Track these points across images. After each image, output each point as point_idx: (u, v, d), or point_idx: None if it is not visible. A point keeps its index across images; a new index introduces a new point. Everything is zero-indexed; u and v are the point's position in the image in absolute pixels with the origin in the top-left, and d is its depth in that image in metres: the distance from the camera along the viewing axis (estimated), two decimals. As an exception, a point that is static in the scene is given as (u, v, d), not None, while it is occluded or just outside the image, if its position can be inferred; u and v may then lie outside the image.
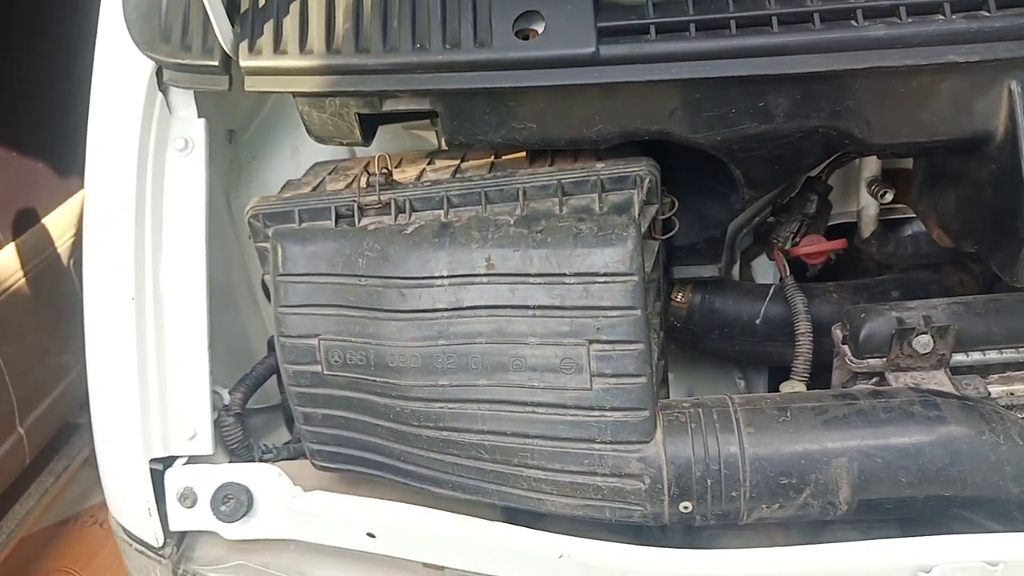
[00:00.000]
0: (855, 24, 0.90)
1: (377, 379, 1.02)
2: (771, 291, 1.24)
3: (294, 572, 1.11)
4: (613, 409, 0.95)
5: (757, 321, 1.25)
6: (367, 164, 1.11)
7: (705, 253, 1.19)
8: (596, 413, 0.96)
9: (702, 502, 0.93)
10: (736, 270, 1.37)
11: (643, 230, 1.01)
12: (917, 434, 0.92)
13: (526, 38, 0.98)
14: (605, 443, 0.96)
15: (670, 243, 1.19)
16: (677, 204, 1.08)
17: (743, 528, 1.01)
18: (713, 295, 1.26)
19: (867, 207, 1.22)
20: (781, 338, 1.22)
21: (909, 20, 0.89)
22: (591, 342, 0.96)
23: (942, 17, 0.89)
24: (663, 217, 1.07)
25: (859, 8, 0.90)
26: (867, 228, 1.24)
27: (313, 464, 1.12)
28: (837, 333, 1.13)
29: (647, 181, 1.03)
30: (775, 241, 1.22)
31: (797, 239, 1.21)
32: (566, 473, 0.97)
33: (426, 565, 1.05)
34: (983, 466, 0.91)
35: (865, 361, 1.10)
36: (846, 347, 1.12)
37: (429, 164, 1.18)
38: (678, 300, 1.26)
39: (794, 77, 0.93)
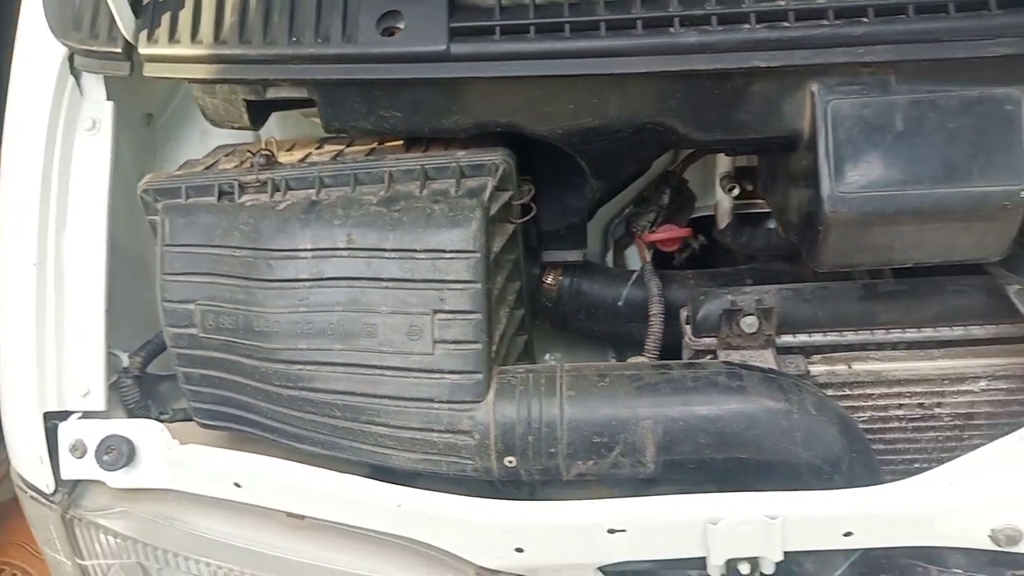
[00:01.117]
0: (672, 31, 1.00)
1: (246, 342, 1.11)
2: (634, 276, 1.34)
3: (173, 519, 1.20)
4: (451, 372, 1.05)
5: (620, 303, 1.34)
6: (241, 147, 1.21)
7: (569, 239, 1.29)
8: (436, 376, 1.06)
9: (524, 458, 1.03)
10: (610, 257, 1.47)
11: (493, 213, 1.11)
12: (717, 401, 1.02)
13: (391, 34, 1.08)
14: (442, 403, 1.05)
15: (537, 229, 1.29)
16: (534, 191, 1.18)
17: (576, 487, 1.11)
18: (581, 278, 1.36)
19: (721, 201, 1.32)
20: (641, 319, 1.31)
21: (719, 28, 0.99)
22: (435, 312, 1.06)
23: (748, 26, 0.98)
24: (518, 202, 1.16)
25: (676, 17, 1.00)
26: (722, 220, 1.34)
27: (196, 422, 1.22)
28: (683, 315, 1.23)
29: (501, 169, 1.13)
30: (634, 230, 1.32)
31: (654, 228, 1.31)
32: (408, 430, 1.07)
33: (288, 514, 1.15)
34: (776, 432, 1.00)
35: (702, 340, 1.20)
36: (688, 327, 1.22)
37: (317, 148, 1.28)
38: (548, 282, 1.36)
39: (621, 77, 1.03)
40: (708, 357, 1.19)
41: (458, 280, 1.05)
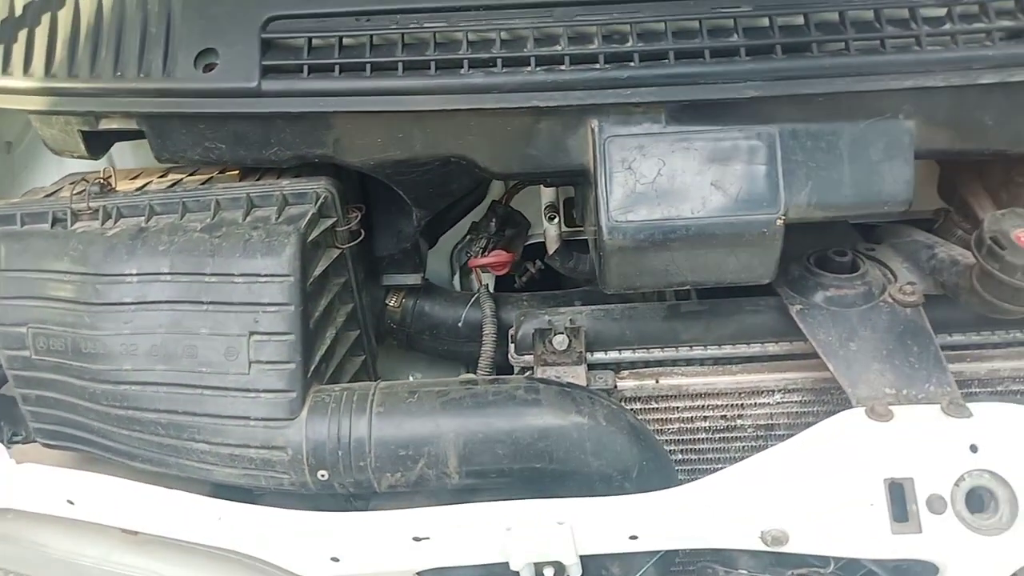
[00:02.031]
0: (462, 72, 1.08)
1: (75, 363, 1.16)
2: (472, 299, 1.41)
3: (13, 535, 1.24)
4: (266, 391, 1.11)
5: (460, 324, 1.42)
6: (87, 176, 1.26)
7: (406, 263, 1.37)
8: (252, 394, 1.11)
9: (336, 472, 1.09)
10: (456, 280, 1.54)
11: (313, 238, 1.17)
12: (513, 414, 1.08)
13: (209, 70, 1.15)
14: (258, 420, 1.11)
15: (372, 254, 1.36)
16: (360, 216, 1.25)
17: (398, 498, 1.17)
18: (423, 300, 1.43)
19: (548, 229, 1.41)
20: (479, 339, 1.39)
21: (503, 70, 1.07)
22: (251, 333, 1.12)
23: (528, 69, 1.07)
24: (343, 228, 1.23)
25: (465, 59, 1.08)
26: (551, 247, 1.43)
27: (38, 442, 1.26)
28: (510, 334, 1.31)
29: (323, 197, 1.20)
30: (467, 255, 1.40)
31: (485, 253, 1.39)
32: (227, 446, 1.12)
33: (123, 530, 1.19)
34: (566, 442, 1.08)
35: (523, 357, 1.28)
36: (512, 345, 1.29)
37: (159, 177, 1.33)
38: (392, 304, 1.43)
39: (420, 114, 1.10)
40: (528, 373, 1.27)
41: (272, 303, 1.12)
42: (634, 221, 1.07)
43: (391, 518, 1.08)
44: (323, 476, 1.10)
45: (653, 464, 1.12)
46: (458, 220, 1.46)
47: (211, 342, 1.12)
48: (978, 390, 1.24)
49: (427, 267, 1.53)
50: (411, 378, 1.63)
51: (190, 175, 1.33)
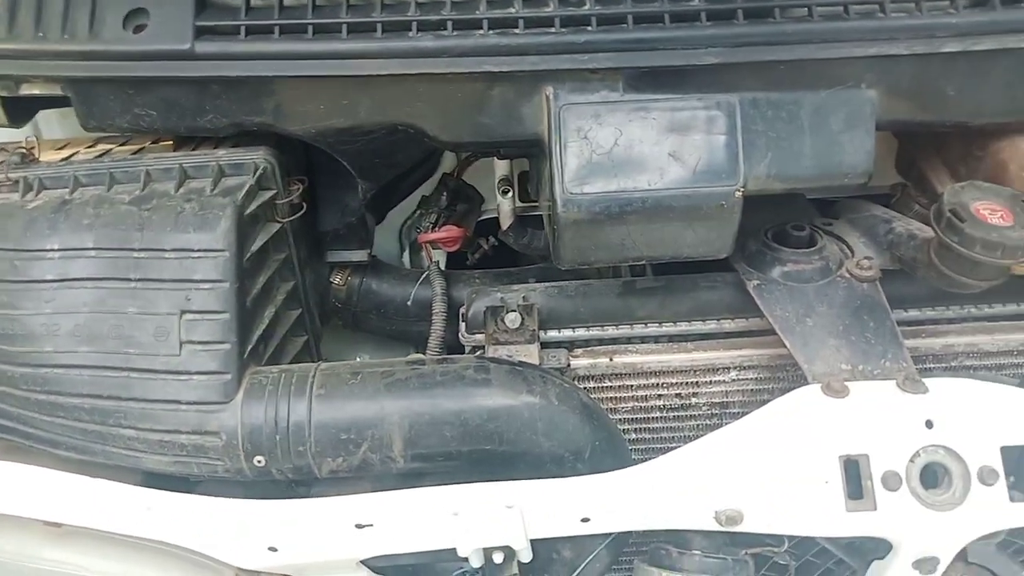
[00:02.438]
0: (410, 35, 1.02)
1: (-7, 345, 1.08)
2: (422, 276, 1.36)
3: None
4: (198, 373, 1.04)
5: (409, 303, 1.36)
6: (8, 146, 1.17)
7: (351, 239, 1.30)
8: (183, 377, 1.04)
9: (273, 457, 1.03)
10: (406, 257, 1.49)
11: (251, 211, 1.10)
12: (462, 395, 1.04)
13: (139, 31, 1.07)
14: (190, 404, 1.04)
15: (316, 229, 1.29)
16: (302, 189, 1.18)
17: (341, 484, 1.12)
18: (371, 278, 1.37)
19: (501, 204, 1.36)
20: (429, 318, 1.33)
21: (454, 33, 1.02)
22: (183, 312, 1.05)
23: (481, 32, 1.02)
24: (283, 201, 1.16)
25: (414, 21, 1.02)
26: (504, 222, 1.38)
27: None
28: (461, 313, 1.26)
29: (261, 168, 1.13)
30: (417, 231, 1.35)
31: (435, 229, 1.34)
32: (156, 432, 1.05)
33: (45, 522, 1.12)
34: (517, 423, 1.03)
35: (473, 336, 1.23)
36: (463, 324, 1.24)
37: (88, 147, 1.25)
38: (337, 282, 1.36)
39: (366, 79, 1.04)
40: (479, 353, 1.22)
41: (205, 279, 1.05)
42: (589, 193, 1.03)
43: (332, 505, 1.03)
44: (260, 462, 1.04)
45: (606, 444, 1.08)
46: (408, 194, 1.40)
47: (139, 322, 1.05)
48: (933, 365, 1.23)
49: (376, 243, 1.47)
50: (357, 359, 1.57)
51: (121, 145, 1.25)
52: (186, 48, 1.04)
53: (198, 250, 1.05)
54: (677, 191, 1.02)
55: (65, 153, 1.22)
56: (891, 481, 0.99)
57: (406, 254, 1.48)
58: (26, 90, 1.14)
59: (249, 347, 1.09)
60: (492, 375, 1.06)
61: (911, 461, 1.00)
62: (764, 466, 1.00)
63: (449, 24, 1.02)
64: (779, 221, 1.25)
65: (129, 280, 1.06)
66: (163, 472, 1.08)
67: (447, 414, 1.03)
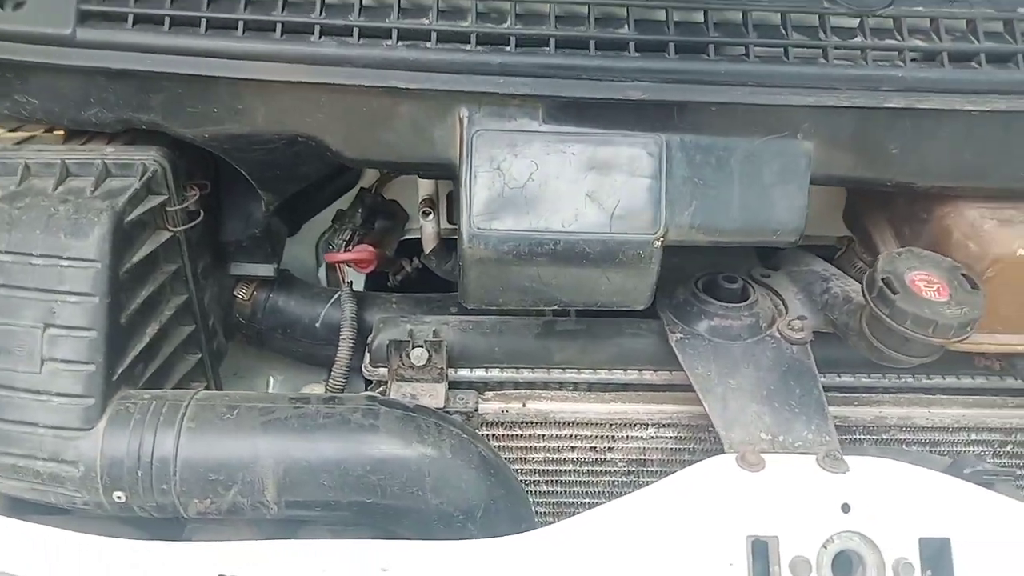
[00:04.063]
0: (313, 39, 0.93)
1: None
2: (334, 297, 1.27)
3: None
4: (59, 394, 0.95)
5: (317, 324, 1.27)
6: None
7: (255, 251, 1.21)
8: (43, 397, 0.95)
9: (135, 494, 0.94)
10: (322, 273, 1.39)
11: (135, 217, 1.01)
12: (343, 441, 0.95)
13: (20, 9, 0.97)
14: (47, 428, 0.94)
15: (217, 239, 1.20)
16: (197, 195, 1.09)
17: (219, 525, 1.03)
18: (278, 294, 1.28)
19: (424, 226, 1.26)
20: (337, 342, 1.24)
21: (361, 42, 0.93)
22: (47, 326, 0.95)
23: (389, 43, 0.93)
24: (175, 208, 1.07)
25: (318, 24, 0.93)
26: (427, 245, 1.29)
27: None
28: (368, 342, 1.17)
29: (151, 170, 1.04)
30: (329, 247, 1.25)
31: (349, 247, 1.24)
32: (9, 455, 0.95)
33: None
34: (403, 476, 0.94)
35: (377, 370, 1.14)
36: (367, 355, 1.15)
37: (-28, 133, 1.15)
38: (242, 297, 1.27)
39: (262, 83, 0.95)
40: (380, 389, 1.14)
41: (73, 291, 0.96)
42: (498, 230, 0.94)
43: (193, 550, 0.93)
44: (120, 498, 0.94)
45: (503, 503, 1.00)
46: (325, 206, 1.31)
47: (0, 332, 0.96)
48: (863, 436, 1.16)
49: (293, 257, 1.38)
50: (270, 380, 1.47)
51: (9, 131, 1.15)
52: (67, 33, 0.95)
53: (67, 258, 0.96)
54: (592, 235, 0.94)
55: (-57, 138, 1.12)
56: (800, 567, 0.91)
57: (322, 269, 1.38)
58: (-100, 71, 1.04)
59: (121, 368, 0.99)
60: (381, 421, 0.97)
61: (823, 547, 0.92)
62: (665, 543, 0.92)
63: (356, 31, 0.93)
64: (715, 266, 1.18)
65: (-10, 285, 0.96)
66: (18, 498, 0.98)
67: (326, 461, 0.94)
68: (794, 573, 0.91)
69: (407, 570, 0.91)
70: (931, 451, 1.17)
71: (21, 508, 1.00)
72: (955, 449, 1.18)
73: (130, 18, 0.95)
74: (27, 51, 0.96)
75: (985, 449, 1.18)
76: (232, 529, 1.03)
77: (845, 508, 0.93)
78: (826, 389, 1.14)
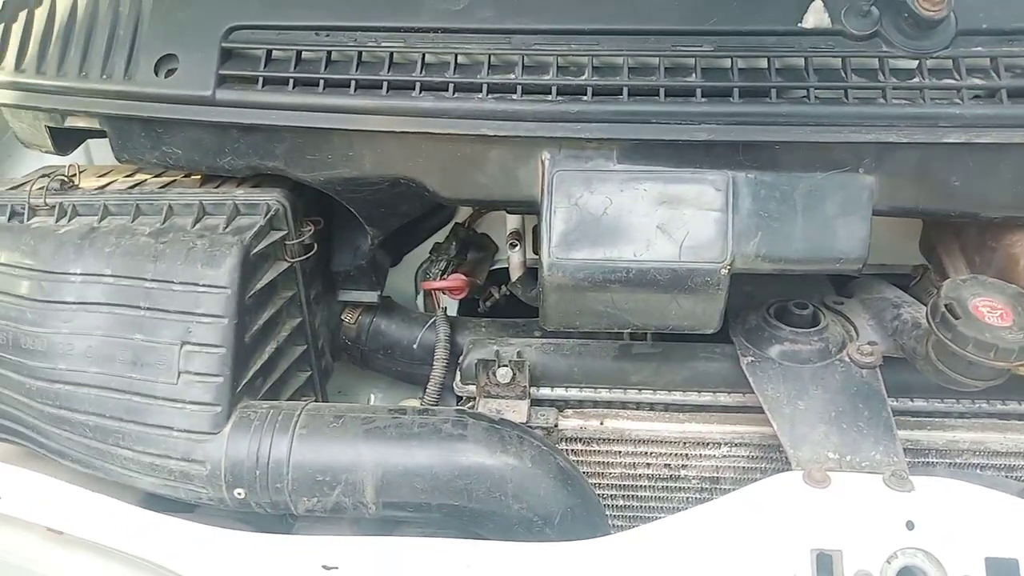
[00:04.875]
0: (414, 95, 1.06)
1: (14, 358, 1.16)
2: (430, 321, 1.39)
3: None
4: (192, 403, 1.09)
5: (415, 346, 1.39)
6: (57, 170, 1.26)
7: (361, 280, 1.35)
8: (178, 405, 1.10)
9: (252, 491, 1.07)
10: (420, 300, 1.52)
11: (260, 250, 1.16)
12: (436, 448, 1.05)
13: (169, 76, 1.15)
14: (181, 431, 1.09)
15: (328, 269, 1.34)
16: (313, 230, 1.23)
17: (323, 523, 1.15)
18: (380, 318, 1.41)
19: (511, 256, 1.37)
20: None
21: (455, 96, 1.05)
22: (184, 343, 1.11)
23: (480, 96, 1.05)
24: (293, 242, 1.21)
25: (418, 81, 1.06)
26: (514, 274, 1.39)
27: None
28: (459, 362, 1.28)
29: (273, 209, 1.19)
30: (427, 276, 1.38)
31: (444, 276, 1.36)
32: (149, 455, 1.10)
33: (48, 528, 1.18)
34: (487, 482, 1.04)
35: (466, 387, 1.25)
36: (459, 374, 1.26)
37: (126, 176, 1.33)
38: (348, 321, 1.40)
39: (371, 134, 1.08)
40: (469, 404, 1.24)
41: (207, 314, 1.10)
42: (575, 259, 1.04)
43: (300, 543, 1.05)
44: (240, 494, 1.08)
45: (580, 511, 1.08)
46: (423, 240, 1.44)
47: (144, 348, 1.11)
48: (936, 460, 1.18)
49: (394, 286, 1.51)
50: (371, 397, 1.61)
51: (155, 176, 1.33)
52: (208, 94, 1.11)
53: (203, 285, 1.11)
54: (662, 264, 1.02)
55: (103, 181, 1.31)
56: (863, 580, 0.95)
57: (420, 297, 1.51)
58: (70, 122, 1.24)
59: (244, 381, 1.14)
60: (469, 431, 1.07)
61: (887, 562, 0.95)
62: (733, 553, 0.97)
63: (451, 86, 1.05)
64: (790, 293, 1.23)
65: (139, 308, 1.12)
66: (153, 492, 1.14)
67: (419, 466, 1.05)
68: (858, 586, 0.95)
69: (488, 568, 1.01)
70: (1008, 476, 1.18)
71: (153, 503, 1.16)
72: (1033, 476, 1.18)
73: (260, 80, 1.10)
74: (175, 110, 1.13)
75: (1063, 477, 1.18)
76: (335, 527, 1.16)
77: (910, 525, 0.96)
78: (898, 413, 1.18)
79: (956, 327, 0.98)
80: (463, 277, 1.34)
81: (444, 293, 1.37)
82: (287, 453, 1.07)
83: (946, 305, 0.99)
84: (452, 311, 1.50)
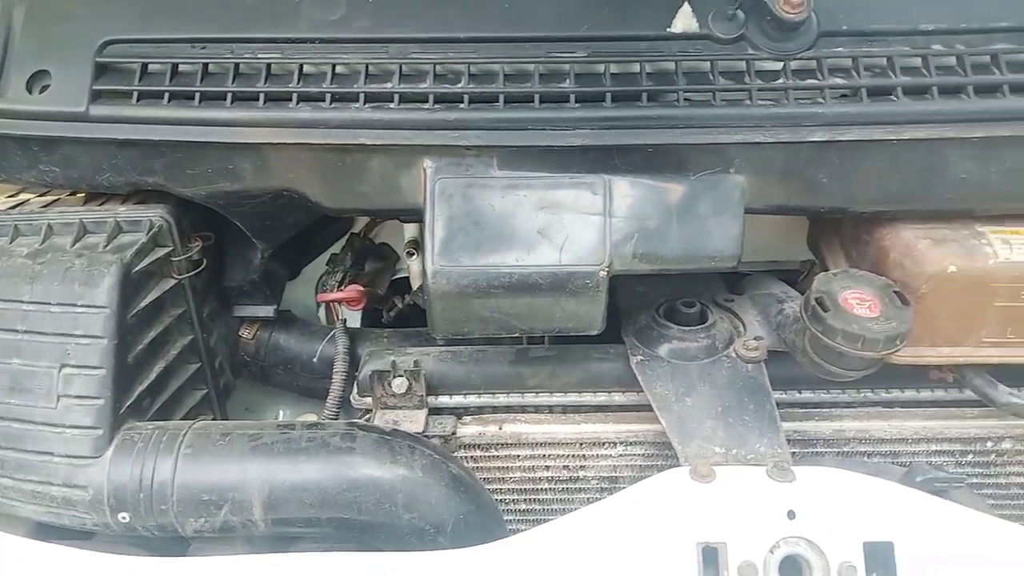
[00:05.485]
0: (290, 106, 1.05)
1: None
2: (330, 333, 1.37)
3: None
4: (72, 427, 1.06)
5: (315, 359, 1.38)
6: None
7: (256, 294, 1.33)
8: (58, 429, 1.06)
9: (137, 514, 1.04)
10: (322, 313, 1.50)
11: (143, 267, 1.13)
12: (323, 462, 1.04)
13: (43, 92, 1.12)
14: (62, 457, 1.06)
15: (220, 284, 1.32)
16: (201, 246, 1.21)
17: (218, 543, 1.12)
18: (279, 333, 1.39)
19: (410, 265, 1.37)
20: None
21: (332, 106, 1.05)
22: (63, 366, 1.07)
23: (357, 105, 1.04)
24: (179, 258, 1.19)
25: (295, 92, 1.05)
26: (414, 282, 1.39)
27: None
28: (356, 375, 1.27)
29: (157, 226, 1.16)
30: (323, 288, 1.37)
31: (342, 287, 1.35)
32: (30, 482, 1.07)
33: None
34: (376, 493, 1.03)
35: (363, 399, 1.24)
36: (356, 386, 1.25)
37: (9, 196, 1.29)
38: (246, 336, 1.38)
39: (249, 146, 1.07)
40: (367, 417, 1.23)
41: (86, 335, 1.07)
42: (458, 266, 1.04)
43: (172, 566, 1.02)
44: (124, 518, 1.05)
45: (474, 518, 1.08)
46: (322, 252, 1.43)
47: (22, 373, 1.08)
48: (824, 450, 1.21)
49: (297, 299, 1.49)
50: (280, 414, 1.58)
51: (39, 195, 1.29)
52: (81, 110, 1.09)
53: (81, 305, 1.08)
54: (543, 268, 1.03)
55: (-18, 203, 1.27)
56: (748, 571, 0.96)
57: (322, 309, 1.49)
58: (-59, 143, 1.19)
59: (128, 402, 1.11)
60: (357, 444, 1.06)
61: (771, 552, 0.97)
62: (620, 551, 0.99)
63: (328, 96, 1.05)
64: (684, 292, 1.25)
65: (16, 331, 1.09)
66: (36, 521, 1.10)
67: (307, 481, 1.04)
68: (742, 577, 0.97)
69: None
70: (893, 462, 1.22)
71: (45, 533, 1.12)
72: (918, 460, 1.22)
73: (135, 95, 1.08)
74: (49, 127, 1.10)
75: (947, 459, 1.22)
76: (230, 547, 1.14)
77: (791, 515, 0.98)
78: (787, 405, 1.22)
79: (825, 319, 1.01)
80: (360, 288, 1.33)
81: (342, 305, 1.36)
82: (171, 474, 1.04)
83: (816, 299, 1.02)
84: (356, 323, 1.49)
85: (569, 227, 1.03)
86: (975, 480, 1.24)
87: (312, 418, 1.29)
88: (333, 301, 1.34)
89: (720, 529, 0.99)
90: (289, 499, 1.03)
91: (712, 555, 0.98)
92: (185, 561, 1.00)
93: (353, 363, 1.33)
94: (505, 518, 1.26)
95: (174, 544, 1.16)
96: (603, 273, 1.03)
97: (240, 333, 1.39)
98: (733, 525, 0.99)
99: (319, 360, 1.38)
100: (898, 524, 0.99)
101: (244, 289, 1.31)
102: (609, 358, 1.23)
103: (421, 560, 0.99)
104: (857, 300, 1.02)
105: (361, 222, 1.43)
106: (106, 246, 1.14)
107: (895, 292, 1.03)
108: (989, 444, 1.22)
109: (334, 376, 1.31)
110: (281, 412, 1.58)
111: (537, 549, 1.00)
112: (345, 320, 1.37)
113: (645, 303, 1.25)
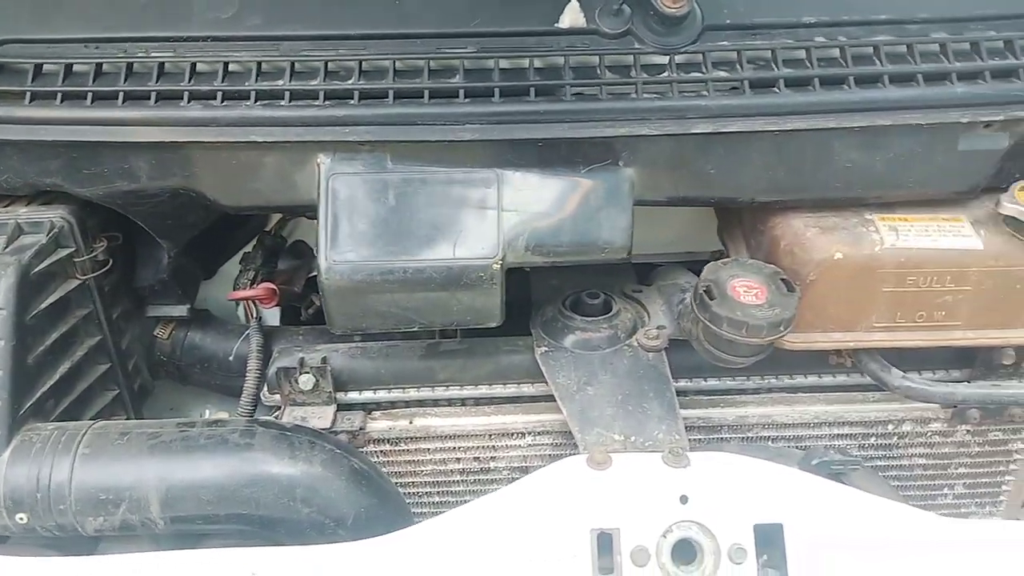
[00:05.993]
0: (181, 104, 1.06)
1: None
2: (246, 332, 1.37)
3: None
4: (-31, 430, 1.06)
5: (231, 358, 1.38)
6: None
7: (168, 294, 1.32)
8: (-46, 432, 1.06)
9: (35, 515, 1.04)
10: (241, 312, 1.50)
11: (43, 268, 1.13)
12: (221, 459, 1.04)
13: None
14: (-42, 460, 1.06)
15: (130, 284, 1.32)
16: (107, 246, 1.21)
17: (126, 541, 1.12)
18: (195, 332, 1.39)
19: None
20: (250, 374, 1.34)
21: (223, 104, 1.05)
22: (-41, 370, 1.07)
23: (248, 103, 1.05)
24: (82, 259, 1.19)
25: (186, 91, 1.06)
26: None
27: None
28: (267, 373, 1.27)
29: (57, 227, 1.16)
30: (235, 288, 1.37)
31: (253, 286, 1.35)
32: (-73, 486, 1.06)
33: None
34: (275, 489, 1.04)
35: (273, 396, 1.25)
36: (266, 384, 1.26)
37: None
38: (162, 336, 1.38)
39: (143, 145, 1.07)
40: (276, 414, 1.23)
41: (-17, 336, 1.07)
42: (351, 262, 1.05)
43: (65, 564, 1.02)
44: (22, 519, 1.04)
45: (377, 511, 1.08)
46: (237, 251, 1.43)
47: (-80, 376, 1.07)
48: (729, 436, 1.23)
49: (215, 299, 1.49)
50: (207, 412, 1.58)
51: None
52: (-28, 110, 1.08)
53: (-24, 307, 1.08)
54: (437, 262, 1.04)
55: None
56: (640, 556, 0.98)
57: (241, 308, 1.49)
58: None
59: (28, 404, 1.10)
60: (256, 440, 1.06)
61: (663, 536, 0.99)
62: (515, 538, 1.00)
63: (219, 95, 1.05)
64: (595, 284, 1.27)
65: (-88, 335, 1.08)
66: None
67: (204, 478, 1.04)
68: (635, 562, 0.98)
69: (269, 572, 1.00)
70: (796, 447, 1.24)
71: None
72: (821, 444, 1.25)
73: (28, 95, 1.08)
74: (-67, 126, 1.09)
75: (850, 443, 1.25)
76: (136, 545, 1.13)
77: (683, 500, 1.00)
78: (692, 392, 1.24)
79: (711, 308, 1.03)
80: (270, 286, 1.33)
81: (255, 303, 1.36)
82: (69, 474, 1.04)
83: (704, 288, 1.05)
84: (275, 321, 1.49)
85: (462, 221, 1.05)
86: (879, 463, 1.27)
87: (224, 416, 1.28)
88: (243, 299, 1.34)
89: (614, 515, 1.00)
90: (186, 496, 1.04)
91: (606, 541, 0.99)
92: (68, 561, 1.00)
93: (267, 361, 1.33)
94: (419, 511, 1.27)
95: (84, 544, 1.16)
96: (496, 266, 1.04)
97: (155, 333, 1.38)
98: (627, 511, 1.00)
99: (235, 358, 1.38)
100: (788, 507, 1.01)
101: (155, 289, 1.31)
102: (518, 350, 1.24)
103: (299, 555, 1.00)
104: (744, 288, 1.04)
105: (274, 219, 1.43)
106: (5, 248, 1.13)
107: (782, 279, 1.06)
108: (890, 427, 1.25)
109: (247, 374, 1.31)
110: (207, 411, 1.58)
111: (431, 539, 1.00)
112: (260, 318, 1.37)
113: (556, 295, 1.26)
